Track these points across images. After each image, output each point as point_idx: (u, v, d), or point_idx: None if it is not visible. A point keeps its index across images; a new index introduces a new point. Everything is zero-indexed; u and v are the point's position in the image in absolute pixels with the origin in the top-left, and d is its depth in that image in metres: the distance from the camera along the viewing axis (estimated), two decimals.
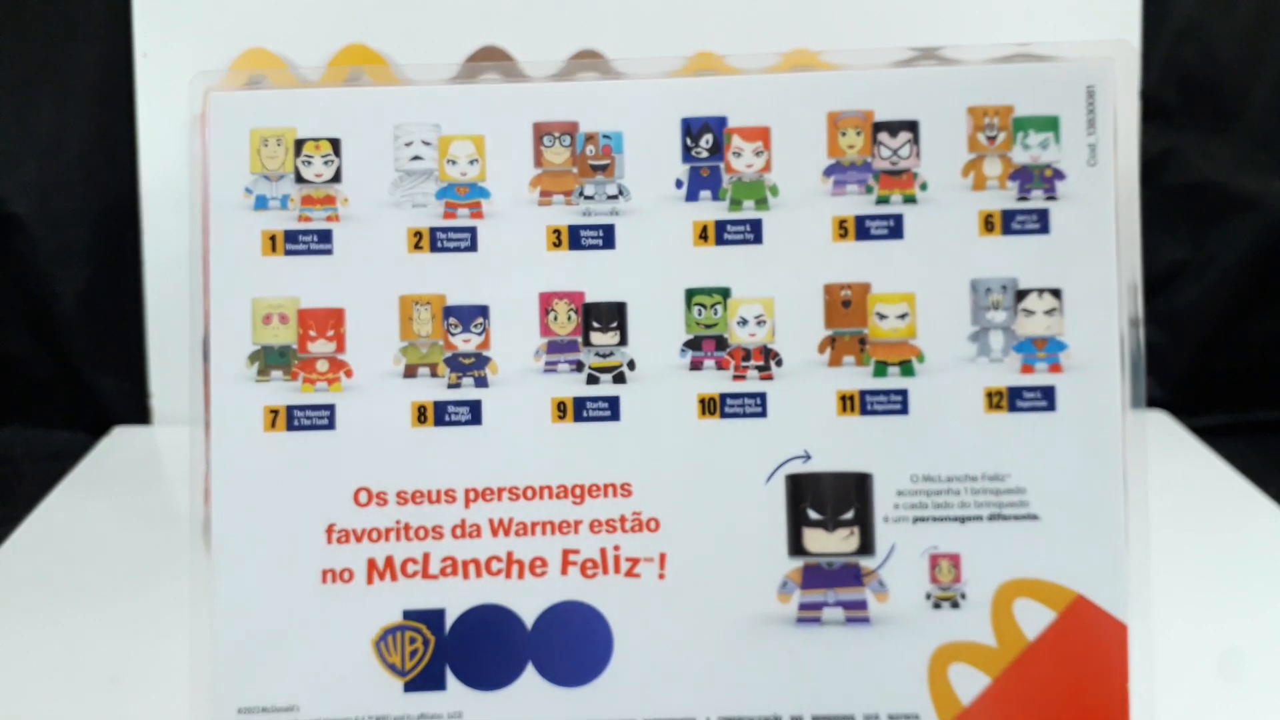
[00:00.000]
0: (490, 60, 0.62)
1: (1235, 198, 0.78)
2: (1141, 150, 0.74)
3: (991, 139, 0.39)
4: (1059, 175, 0.38)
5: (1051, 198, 0.38)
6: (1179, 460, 0.69)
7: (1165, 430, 0.75)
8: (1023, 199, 0.38)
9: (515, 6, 0.69)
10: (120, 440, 0.74)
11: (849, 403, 0.39)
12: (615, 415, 0.39)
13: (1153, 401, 0.78)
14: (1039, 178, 0.38)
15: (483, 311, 0.39)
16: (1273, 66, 0.77)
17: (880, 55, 0.40)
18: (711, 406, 0.39)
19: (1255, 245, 0.78)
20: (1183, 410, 0.77)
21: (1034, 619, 0.38)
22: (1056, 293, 0.38)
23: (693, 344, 0.39)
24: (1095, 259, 0.38)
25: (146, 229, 0.72)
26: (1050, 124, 0.38)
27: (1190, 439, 0.73)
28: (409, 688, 0.38)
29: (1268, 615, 0.50)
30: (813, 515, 0.38)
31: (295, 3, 0.68)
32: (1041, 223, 0.38)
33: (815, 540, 0.38)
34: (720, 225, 0.39)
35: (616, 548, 0.38)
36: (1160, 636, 0.46)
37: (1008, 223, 0.38)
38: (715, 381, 0.39)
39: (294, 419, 0.38)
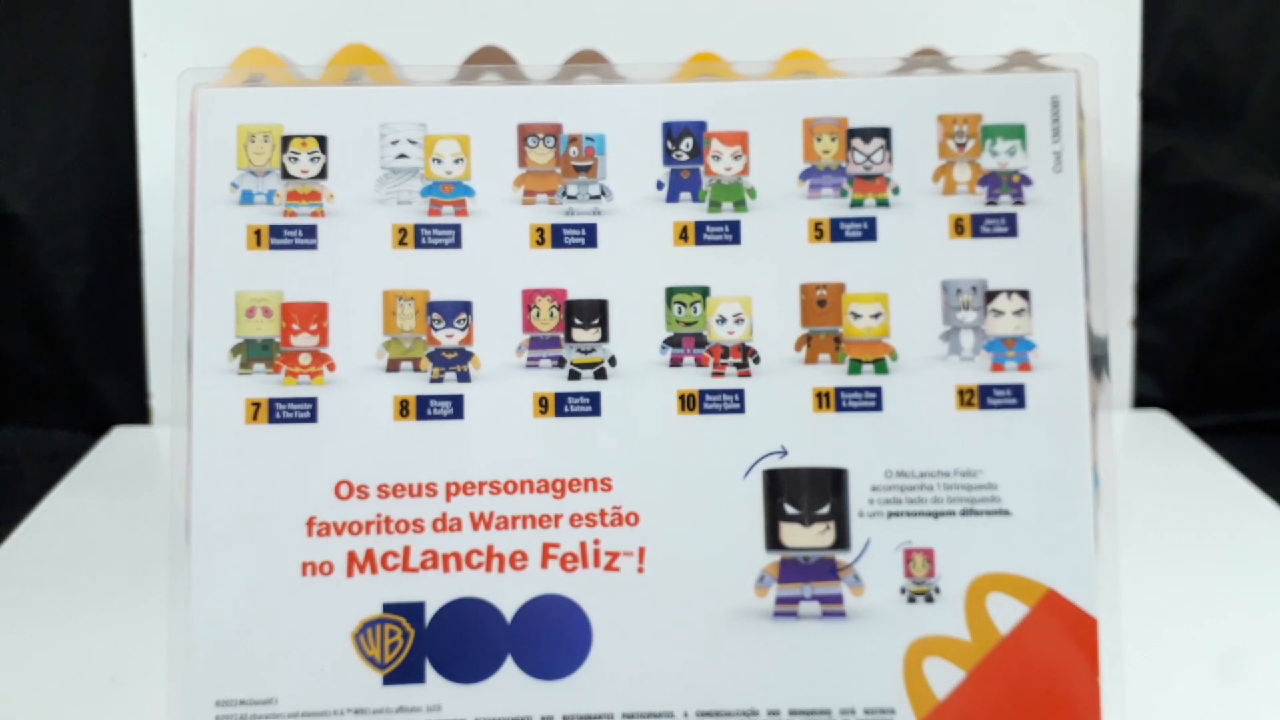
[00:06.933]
0: (490, 60, 0.62)
1: (1235, 198, 0.77)
2: (1141, 150, 0.74)
3: (961, 146, 0.40)
4: (1026, 181, 0.40)
5: (1019, 202, 0.40)
6: (1179, 460, 0.69)
7: (1165, 430, 0.74)
8: (991, 203, 0.40)
9: (516, 6, 0.69)
10: (120, 440, 0.73)
11: (824, 399, 0.39)
12: (596, 411, 0.39)
13: (1153, 401, 0.78)
14: (1007, 183, 0.40)
15: (466, 307, 0.39)
16: (1273, 66, 0.76)
17: (878, 64, 0.41)
18: (691, 403, 0.39)
19: (1255, 245, 0.77)
20: (1183, 410, 0.77)
21: (1007, 613, 0.39)
22: (1025, 293, 0.39)
23: (673, 341, 0.40)
24: (1062, 261, 0.39)
25: (146, 229, 0.72)
26: (1017, 132, 0.40)
27: (1190, 439, 0.72)
28: (388, 680, 0.38)
29: (1267, 615, 0.50)
30: (789, 510, 0.39)
31: (295, 2, 0.68)
32: (1010, 226, 0.40)
33: (792, 535, 0.39)
34: (700, 226, 0.40)
35: (596, 541, 0.39)
36: (1160, 636, 0.46)
37: (977, 226, 0.40)
38: (694, 378, 0.39)
39: (276, 412, 0.38)
